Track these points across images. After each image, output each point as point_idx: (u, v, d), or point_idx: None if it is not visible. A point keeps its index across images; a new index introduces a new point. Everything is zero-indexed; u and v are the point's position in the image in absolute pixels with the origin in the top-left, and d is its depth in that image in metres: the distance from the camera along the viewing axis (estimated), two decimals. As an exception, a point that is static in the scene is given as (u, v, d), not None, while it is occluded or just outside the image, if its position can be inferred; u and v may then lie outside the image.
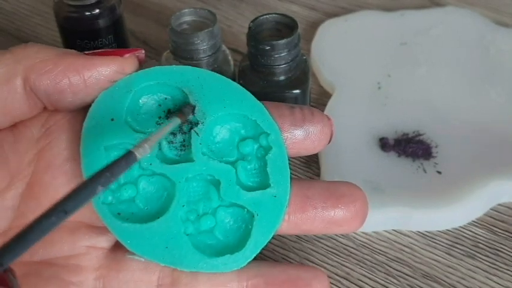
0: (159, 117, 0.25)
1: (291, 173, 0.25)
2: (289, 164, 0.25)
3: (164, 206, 0.25)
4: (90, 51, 0.25)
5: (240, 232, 0.25)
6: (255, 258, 0.24)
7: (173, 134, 0.25)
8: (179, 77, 0.25)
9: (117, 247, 0.25)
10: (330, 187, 0.25)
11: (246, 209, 0.24)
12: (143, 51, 0.26)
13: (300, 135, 0.25)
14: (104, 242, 0.25)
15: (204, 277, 0.25)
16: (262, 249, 0.24)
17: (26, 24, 0.46)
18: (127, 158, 0.21)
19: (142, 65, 0.26)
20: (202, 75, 0.25)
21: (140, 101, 0.25)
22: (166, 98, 0.25)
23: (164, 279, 0.25)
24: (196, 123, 0.24)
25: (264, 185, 0.25)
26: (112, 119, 0.24)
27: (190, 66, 0.25)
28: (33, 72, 0.24)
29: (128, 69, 0.25)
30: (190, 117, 0.24)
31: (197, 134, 0.24)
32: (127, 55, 0.25)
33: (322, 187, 0.25)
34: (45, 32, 0.45)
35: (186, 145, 0.25)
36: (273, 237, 0.24)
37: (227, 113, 0.25)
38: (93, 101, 0.25)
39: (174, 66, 0.25)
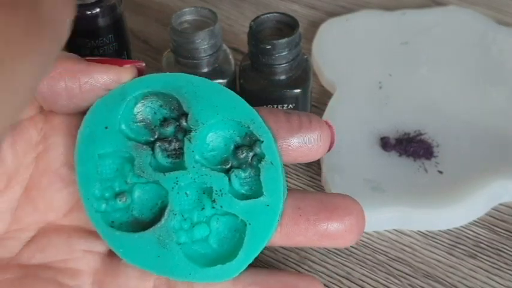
0: (155, 126, 0.25)
1: (286, 181, 0.24)
2: (285, 172, 0.25)
3: (158, 215, 0.25)
4: (91, 58, 0.25)
5: (234, 241, 0.24)
6: (250, 265, 0.24)
7: (168, 141, 0.25)
8: (173, 83, 0.24)
9: (114, 252, 0.25)
10: (324, 199, 0.25)
11: (239, 218, 0.24)
12: (144, 64, 0.26)
13: (295, 143, 0.25)
14: (100, 247, 0.25)
15: (199, 285, 0.25)
16: (255, 259, 0.24)
17: (26, 24, 0.46)
18: None
19: (142, 75, 0.26)
20: (195, 82, 0.24)
21: (135, 108, 0.25)
22: (161, 106, 0.25)
23: (160, 287, 0.25)
24: (189, 131, 0.24)
25: (257, 193, 0.24)
26: (106, 127, 0.24)
27: (184, 74, 0.25)
28: None
29: (124, 79, 0.25)
30: (184, 124, 0.24)
31: (189, 141, 0.24)
32: (127, 66, 0.25)
33: (316, 199, 0.25)
34: (46, 31, 0.45)
35: (179, 153, 0.25)
36: (265, 248, 0.24)
37: (220, 119, 0.24)
38: (87, 107, 0.25)
39: (168, 73, 0.25)
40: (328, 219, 0.24)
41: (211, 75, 0.34)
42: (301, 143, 0.25)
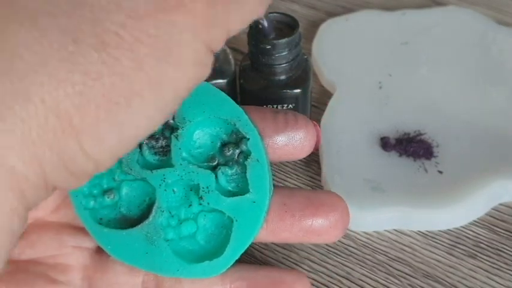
0: None
1: (272, 178, 0.25)
2: (271, 169, 0.25)
3: (145, 212, 0.25)
4: None
5: (221, 237, 0.25)
6: (237, 261, 0.24)
7: (155, 138, 0.25)
8: None
9: (102, 248, 0.25)
10: (310, 196, 0.25)
11: (226, 215, 0.24)
12: None
13: (281, 141, 0.25)
14: (88, 243, 0.25)
15: (187, 281, 0.25)
16: (242, 255, 0.24)
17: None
18: None
19: None
20: None
21: None
22: None
23: (148, 283, 0.25)
24: (177, 128, 0.24)
25: (243, 190, 0.25)
26: None
27: None
28: None
29: None
30: (171, 122, 0.24)
31: (176, 138, 0.24)
32: None
33: (303, 196, 0.25)
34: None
35: (166, 150, 0.25)
36: (252, 244, 0.24)
37: (206, 117, 0.24)
38: None
39: None
40: (313, 216, 0.25)
41: (211, 75, 0.34)
42: (286, 142, 0.25)
